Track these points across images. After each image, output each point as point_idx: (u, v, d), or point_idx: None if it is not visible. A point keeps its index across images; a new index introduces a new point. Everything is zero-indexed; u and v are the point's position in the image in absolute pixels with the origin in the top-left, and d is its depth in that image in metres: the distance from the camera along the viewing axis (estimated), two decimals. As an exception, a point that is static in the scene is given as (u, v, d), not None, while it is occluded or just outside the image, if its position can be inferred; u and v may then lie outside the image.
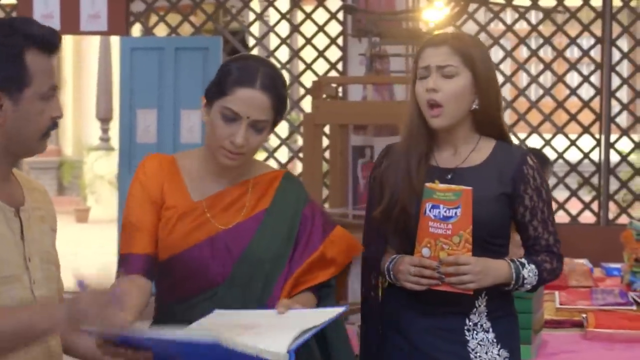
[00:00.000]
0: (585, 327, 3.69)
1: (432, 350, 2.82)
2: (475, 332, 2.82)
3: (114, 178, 15.87)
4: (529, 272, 2.81)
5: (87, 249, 11.94)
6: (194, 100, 8.61)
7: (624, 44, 8.90)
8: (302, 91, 8.90)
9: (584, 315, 3.86)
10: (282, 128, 8.91)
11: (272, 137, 8.86)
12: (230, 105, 2.57)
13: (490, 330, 2.83)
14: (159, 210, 2.65)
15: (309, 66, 8.83)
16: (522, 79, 11.23)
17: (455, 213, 2.69)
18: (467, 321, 2.83)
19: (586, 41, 9.03)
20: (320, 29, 8.84)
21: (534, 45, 9.02)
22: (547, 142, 8.65)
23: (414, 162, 2.83)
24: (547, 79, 9.41)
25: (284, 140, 8.97)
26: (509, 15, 9.16)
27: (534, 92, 10.26)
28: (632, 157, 9.21)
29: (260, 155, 9.03)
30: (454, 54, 2.79)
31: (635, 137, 9.06)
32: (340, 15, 8.77)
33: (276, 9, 8.95)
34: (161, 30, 9.88)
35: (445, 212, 2.70)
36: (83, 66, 17.80)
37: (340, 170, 6.68)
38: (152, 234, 2.65)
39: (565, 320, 3.94)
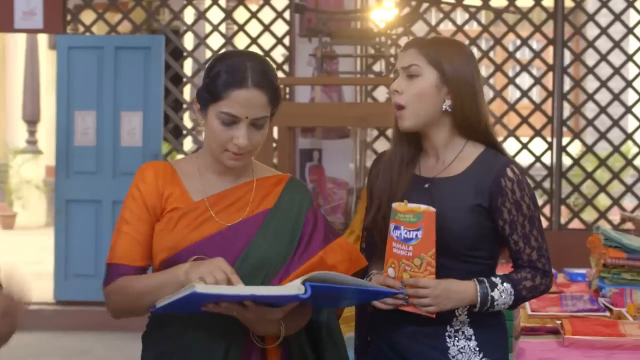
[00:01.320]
0: (562, 334, 3.52)
1: (413, 356, 2.76)
2: (456, 339, 2.75)
3: (41, 182, 15.46)
4: (502, 293, 2.72)
5: (14, 257, 11.48)
6: (136, 101, 8.34)
7: (575, 45, 8.79)
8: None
9: (559, 322, 3.70)
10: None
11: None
12: (227, 110, 2.51)
13: (473, 338, 2.76)
14: (154, 222, 2.61)
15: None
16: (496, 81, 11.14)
17: (416, 235, 2.62)
18: (448, 327, 2.75)
19: (537, 43, 8.92)
20: (266, 28, 8.60)
21: (484, 47, 8.88)
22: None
23: (396, 170, 2.79)
24: (498, 80, 9.27)
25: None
26: (459, 16, 8.99)
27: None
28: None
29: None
30: (419, 54, 2.73)
31: (587, 139, 8.96)
32: (287, 15, 8.53)
33: (221, 7, 8.68)
34: (98, 29, 9.53)
35: (405, 234, 2.64)
36: (7, 66, 17.11)
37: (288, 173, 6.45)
38: (149, 247, 2.61)
39: (539, 327, 3.79)
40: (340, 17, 7.43)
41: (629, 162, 8.73)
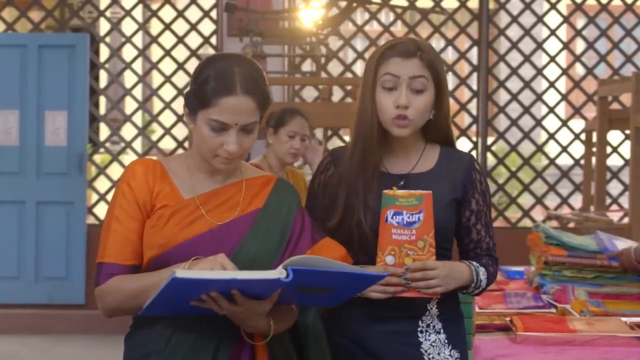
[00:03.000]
0: (514, 331, 3.57)
1: (387, 355, 2.78)
2: (427, 333, 2.81)
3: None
4: (483, 275, 2.83)
5: None
6: (60, 100, 8.21)
7: (500, 46, 8.93)
8: (174, 92, 8.55)
9: (508, 319, 3.75)
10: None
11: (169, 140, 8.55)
12: (217, 117, 2.51)
13: (442, 331, 2.83)
14: (145, 219, 2.59)
15: (181, 66, 8.52)
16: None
17: (419, 218, 2.67)
18: (420, 323, 2.81)
19: (463, 43, 9.03)
20: (193, 27, 8.53)
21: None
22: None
23: (369, 173, 2.78)
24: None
25: (181, 142, 8.61)
26: (384, 16, 9.04)
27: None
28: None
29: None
30: (424, 67, 2.73)
31: (511, 139, 9.10)
32: (214, 14, 8.49)
33: (147, 6, 8.59)
34: (20, 27, 9.35)
35: (408, 217, 2.67)
36: None
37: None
38: (140, 245, 2.58)
39: (487, 324, 3.83)
40: (271, 17, 7.42)
41: (552, 162, 8.88)
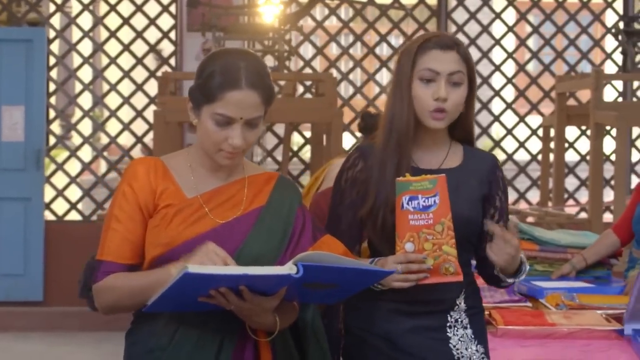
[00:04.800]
0: (495, 325, 3.60)
1: (417, 350, 2.79)
2: (456, 328, 2.82)
3: None
4: (525, 264, 2.86)
5: None
6: (17, 95, 8.11)
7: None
8: (133, 87, 8.49)
9: (487, 313, 3.77)
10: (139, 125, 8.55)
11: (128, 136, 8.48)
12: (222, 111, 2.51)
13: (468, 326, 2.85)
14: (147, 219, 2.58)
15: (139, 61, 8.46)
16: (357, 76, 11.24)
17: (434, 201, 2.65)
18: (448, 318, 2.82)
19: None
20: (152, 22, 8.48)
21: (371, 43, 8.98)
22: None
23: (404, 162, 2.77)
24: (384, 77, 9.40)
25: (140, 138, 8.54)
26: (343, 12, 9.07)
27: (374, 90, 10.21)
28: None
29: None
30: (461, 61, 2.77)
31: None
32: (172, 9, 8.44)
33: (106, 1, 8.52)
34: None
35: (424, 201, 2.66)
36: None
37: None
38: (140, 245, 2.58)
39: (466, 318, 3.85)
40: (234, 12, 7.41)
41: (510, 157, 8.95)
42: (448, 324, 2.81)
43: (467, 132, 2.89)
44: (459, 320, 2.82)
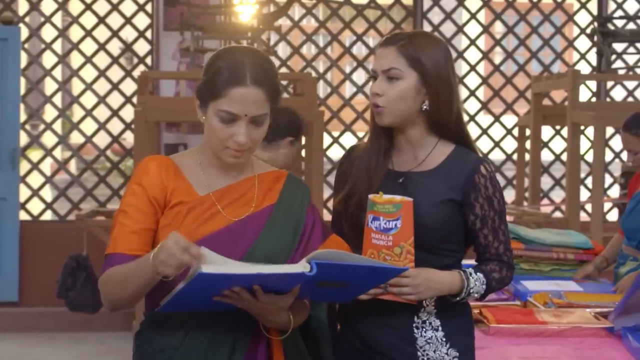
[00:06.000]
0: (487, 323, 3.64)
1: (383, 347, 2.79)
2: (424, 329, 2.80)
3: None
4: (476, 281, 2.80)
5: None
6: (-9, 95, 8.03)
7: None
8: (109, 86, 8.44)
9: (477, 311, 3.80)
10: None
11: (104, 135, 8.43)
12: (226, 108, 2.51)
13: (440, 328, 2.81)
14: (158, 211, 2.58)
15: (115, 60, 8.42)
16: (333, 76, 11.25)
17: (395, 225, 2.69)
18: (415, 318, 2.80)
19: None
20: (128, 21, 8.44)
21: (347, 43, 9.00)
22: (361, 140, 8.62)
23: (373, 159, 2.82)
24: (361, 76, 9.42)
25: (115, 138, 8.49)
26: (321, 12, 9.07)
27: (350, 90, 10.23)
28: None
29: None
30: (398, 54, 2.76)
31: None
32: (148, 8, 8.40)
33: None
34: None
35: (385, 224, 2.69)
36: None
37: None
38: (149, 235, 2.57)
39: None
40: (212, 12, 7.40)
41: (485, 157, 8.99)
42: (415, 325, 2.79)
43: (451, 131, 2.83)
44: (427, 321, 2.80)
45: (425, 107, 2.77)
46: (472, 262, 2.97)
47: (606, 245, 4.91)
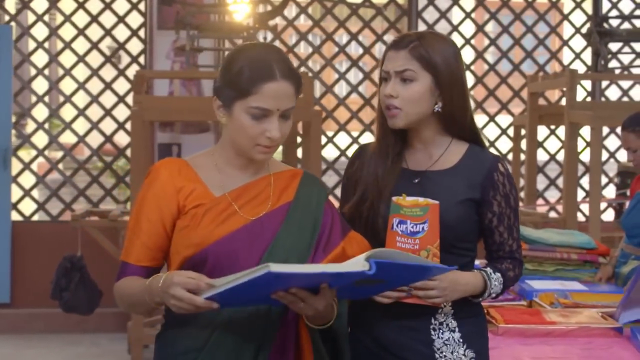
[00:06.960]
0: (495, 323, 3.61)
1: (398, 349, 2.78)
2: (441, 331, 2.79)
3: None
4: (495, 281, 2.82)
5: None
6: (-19, 94, 7.96)
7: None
8: (102, 85, 8.37)
9: (485, 312, 3.77)
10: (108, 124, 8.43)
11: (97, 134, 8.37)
12: (259, 104, 2.52)
13: (457, 330, 2.80)
14: (170, 221, 2.59)
15: (108, 59, 8.36)
16: (328, 75, 11.21)
17: (422, 228, 2.67)
18: (432, 320, 2.79)
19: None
20: (121, 20, 8.37)
21: (342, 42, 8.96)
22: (355, 140, 8.61)
23: (382, 162, 2.82)
24: (355, 76, 9.38)
25: (109, 137, 8.41)
26: (318, 10, 9.02)
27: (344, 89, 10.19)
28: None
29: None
30: (412, 58, 2.75)
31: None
32: (142, 6, 8.34)
33: (74, -3, 8.40)
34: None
35: (412, 227, 2.68)
36: None
37: (145, 168, 6.38)
38: (159, 249, 2.61)
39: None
40: (208, 10, 7.34)
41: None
42: (432, 326, 2.78)
43: (464, 130, 2.83)
44: (445, 323, 2.79)
45: (438, 108, 2.77)
46: (478, 261, 2.99)
47: (606, 245, 4.90)
